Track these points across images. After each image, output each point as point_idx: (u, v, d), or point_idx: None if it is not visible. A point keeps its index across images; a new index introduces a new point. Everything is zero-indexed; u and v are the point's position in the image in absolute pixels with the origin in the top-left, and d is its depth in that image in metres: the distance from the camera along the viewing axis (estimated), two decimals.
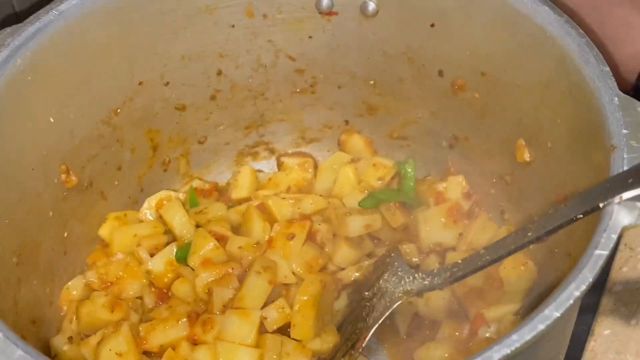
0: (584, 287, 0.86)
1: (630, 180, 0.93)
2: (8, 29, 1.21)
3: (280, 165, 1.63)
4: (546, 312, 0.84)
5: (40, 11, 1.24)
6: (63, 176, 1.34)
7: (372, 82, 1.51)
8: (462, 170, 1.51)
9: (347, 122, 1.60)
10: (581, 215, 0.96)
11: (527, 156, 1.33)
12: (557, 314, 0.84)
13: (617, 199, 0.93)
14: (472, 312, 1.35)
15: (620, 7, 1.50)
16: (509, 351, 0.81)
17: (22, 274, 1.24)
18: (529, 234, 1.03)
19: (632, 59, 1.50)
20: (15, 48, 1.19)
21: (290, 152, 1.64)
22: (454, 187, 1.49)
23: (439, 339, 1.36)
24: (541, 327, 0.83)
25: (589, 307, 1.47)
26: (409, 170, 1.54)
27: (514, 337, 0.82)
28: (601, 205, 0.94)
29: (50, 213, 1.33)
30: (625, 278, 1.49)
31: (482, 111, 1.40)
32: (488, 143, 1.43)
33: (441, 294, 1.36)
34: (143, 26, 1.35)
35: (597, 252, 0.89)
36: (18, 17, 1.23)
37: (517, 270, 1.34)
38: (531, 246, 1.32)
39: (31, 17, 1.23)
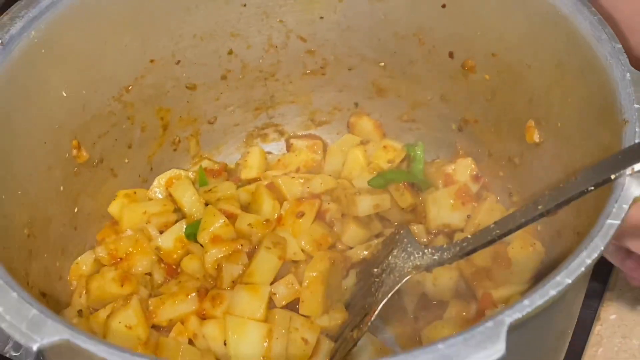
0: (595, 255, 0.86)
1: None
2: (23, 1, 1.22)
3: (289, 147, 1.64)
4: (558, 278, 0.84)
5: None
6: (74, 151, 1.34)
7: (382, 63, 1.51)
8: (470, 153, 1.51)
9: (356, 104, 1.60)
10: (592, 188, 0.97)
11: (536, 137, 1.33)
12: (569, 281, 0.84)
13: (629, 171, 0.93)
14: (479, 292, 1.36)
15: None
16: (520, 315, 0.82)
17: (33, 247, 1.24)
18: (539, 207, 1.03)
19: None
20: (30, 20, 1.20)
21: (299, 134, 1.64)
22: (463, 169, 1.50)
23: (446, 319, 1.36)
24: (553, 292, 0.83)
25: (595, 292, 1.48)
26: (419, 153, 1.54)
27: (526, 302, 0.83)
28: (613, 176, 0.94)
29: (61, 187, 1.33)
30: None
31: (492, 93, 1.40)
32: (497, 125, 1.44)
33: (449, 274, 1.37)
34: (156, 3, 1.36)
35: (609, 221, 0.89)
36: None
37: (525, 251, 1.34)
38: (539, 226, 1.36)
39: None
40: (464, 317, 1.36)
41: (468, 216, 1.45)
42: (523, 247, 1.35)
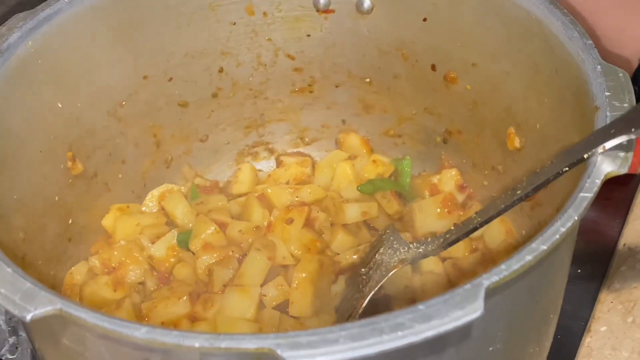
0: (569, 224, 0.89)
1: (612, 131, 0.98)
2: (21, 14, 1.27)
3: (279, 164, 1.67)
4: (533, 245, 0.87)
5: None
6: (69, 163, 1.38)
7: (367, 79, 1.56)
8: (455, 164, 1.55)
9: (344, 121, 1.64)
10: (567, 168, 1.00)
11: (517, 143, 1.37)
12: (544, 247, 0.87)
13: (600, 149, 0.97)
14: None
15: (612, 12, 1.56)
16: (497, 278, 0.84)
17: (28, 251, 1.26)
18: (518, 192, 1.06)
19: (623, 63, 1.56)
20: (28, 31, 1.24)
21: (289, 152, 1.68)
22: (448, 179, 1.53)
23: None
24: (528, 257, 0.86)
25: (586, 303, 1.50)
26: (406, 167, 1.58)
27: (502, 266, 0.85)
28: (586, 156, 0.98)
29: (56, 198, 1.36)
30: (623, 276, 1.53)
31: (473, 103, 1.45)
32: (480, 135, 1.48)
33: (437, 279, 1.40)
34: (148, 21, 1.41)
35: (582, 194, 0.93)
36: (31, 4, 1.29)
37: (510, 253, 1.35)
38: (524, 231, 1.39)
39: (42, 4, 1.29)
40: None
41: (454, 224, 1.48)
42: (509, 251, 1.37)
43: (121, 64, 1.42)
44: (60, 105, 1.34)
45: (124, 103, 1.46)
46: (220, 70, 1.54)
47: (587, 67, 1.12)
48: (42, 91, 1.29)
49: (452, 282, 1.41)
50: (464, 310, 0.81)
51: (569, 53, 1.17)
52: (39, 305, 0.85)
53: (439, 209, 1.48)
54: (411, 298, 1.41)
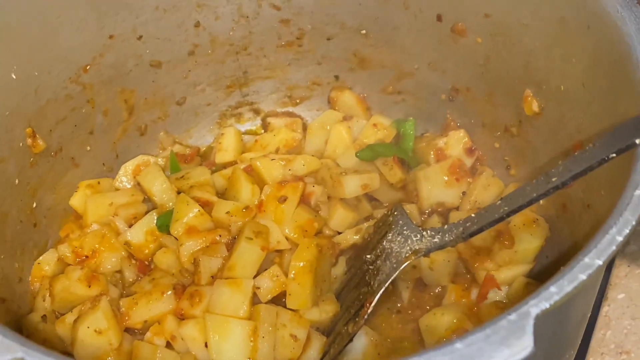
0: (626, 231, 0.76)
1: None
2: None
3: (266, 126, 1.52)
4: (586, 260, 0.73)
5: None
6: (29, 140, 1.22)
7: (363, 31, 1.40)
8: (463, 125, 1.40)
9: (337, 77, 1.48)
10: (614, 155, 0.86)
11: (535, 107, 1.23)
12: (599, 262, 0.73)
13: None
14: (480, 274, 1.25)
15: None
16: (547, 305, 0.71)
17: None
18: (553, 179, 0.92)
19: None
20: None
21: (276, 112, 1.52)
22: (455, 142, 1.39)
23: (445, 305, 1.25)
24: (582, 277, 0.72)
25: None
26: (409, 130, 1.43)
27: (553, 288, 0.72)
28: (638, 141, 0.83)
29: (16, 181, 1.22)
30: None
31: (485, 58, 1.29)
32: (491, 93, 1.33)
33: (446, 256, 1.26)
34: None
35: (638, 192, 0.78)
36: None
37: (528, 228, 1.24)
38: (541, 200, 1.25)
39: None
40: (464, 303, 1.25)
41: (463, 193, 1.35)
42: (526, 224, 1.24)
43: (83, 23, 1.25)
44: (14, 77, 1.17)
45: (88, 67, 1.29)
46: (197, 25, 1.37)
47: (628, 26, 0.96)
48: None
49: (464, 261, 1.28)
50: (511, 349, 0.68)
51: (604, 8, 1.01)
52: None
53: (446, 177, 1.34)
54: (418, 277, 1.29)
